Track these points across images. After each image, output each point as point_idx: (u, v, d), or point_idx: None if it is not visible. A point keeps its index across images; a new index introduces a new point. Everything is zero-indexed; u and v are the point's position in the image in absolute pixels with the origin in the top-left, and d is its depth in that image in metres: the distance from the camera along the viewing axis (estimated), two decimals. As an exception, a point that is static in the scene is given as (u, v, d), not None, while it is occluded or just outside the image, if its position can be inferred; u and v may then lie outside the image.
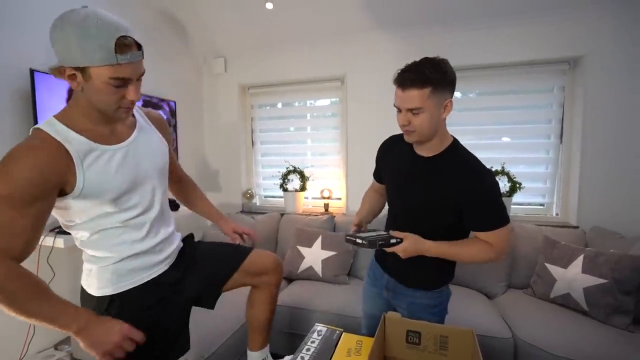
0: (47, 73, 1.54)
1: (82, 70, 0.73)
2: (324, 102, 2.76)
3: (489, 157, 2.29)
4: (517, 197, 2.21)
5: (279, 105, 2.88)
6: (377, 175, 1.28)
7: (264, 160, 2.95)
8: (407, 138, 1.03)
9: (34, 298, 0.72)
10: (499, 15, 2.10)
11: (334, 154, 2.71)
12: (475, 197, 0.95)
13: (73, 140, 0.77)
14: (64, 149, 0.75)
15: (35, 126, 0.78)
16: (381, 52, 2.37)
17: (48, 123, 0.78)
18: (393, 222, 1.17)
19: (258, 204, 2.97)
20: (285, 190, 2.66)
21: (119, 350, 0.80)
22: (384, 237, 1.00)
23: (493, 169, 2.20)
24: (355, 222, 1.16)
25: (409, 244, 0.98)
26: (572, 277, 1.66)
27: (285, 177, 2.66)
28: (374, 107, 2.39)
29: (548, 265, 1.79)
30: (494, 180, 0.97)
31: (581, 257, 1.68)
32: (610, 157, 2.02)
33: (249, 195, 2.88)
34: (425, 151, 1.05)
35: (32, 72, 1.48)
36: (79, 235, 0.88)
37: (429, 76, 0.90)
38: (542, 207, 2.34)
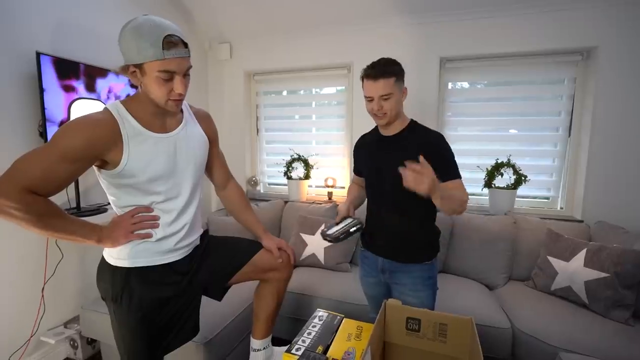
0: (53, 56, 1.54)
1: (140, 67, 0.85)
2: (330, 90, 2.73)
3: (495, 149, 2.27)
4: (522, 190, 2.19)
5: (284, 92, 2.86)
6: (357, 169, 1.45)
7: (268, 148, 2.94)
8: (379, 122, 1.23)
9: (57, 216, 0.86)
10: (511, 3, 2.04)
11: (338, 142, 2.70)
12: (438, 152, 1.15)
13: (127, 123, 0.90)
14: (117, 128, 0.88)
15: (105, 105, 0.92)
16: (390, 41, 2.32)
17: (114, 104, 0.92)
18: (373, 205, 1.31)
19: (262, 191, 2.99)
20: (289, 178, 2.67)
21: (137, 227, 0.95)
22: (347, 226, 1.19)
23: (499, 161, 2.19)
24: (337, 220, 1.27)
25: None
26: (574, 270, 1.67)
27: (289, 165, 2.67)
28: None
29: (550, 258, 1.79)
30: (447, 142, 1.19)
31: (584, 251, 1.68)
32: (618, 152, 1.99)
33: (253, 183, 2.89)
34: (390, 131, 1.25)
35: (38, 55, 1.48)
36: (114, 208, 1.01)
37: (393, 69, 1.15)
38: (547, 200, 2.33)
